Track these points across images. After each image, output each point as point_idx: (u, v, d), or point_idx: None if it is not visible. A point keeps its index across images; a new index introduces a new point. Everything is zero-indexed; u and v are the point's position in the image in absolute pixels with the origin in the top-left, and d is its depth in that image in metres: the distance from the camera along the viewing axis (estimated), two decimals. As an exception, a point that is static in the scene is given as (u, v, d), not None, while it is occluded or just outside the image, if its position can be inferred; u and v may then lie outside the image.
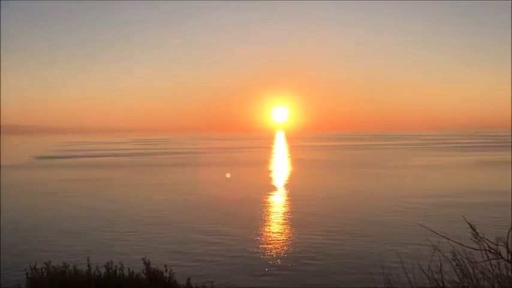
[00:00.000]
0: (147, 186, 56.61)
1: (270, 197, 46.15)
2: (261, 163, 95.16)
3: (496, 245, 6.09)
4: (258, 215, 35.97)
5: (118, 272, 11.18)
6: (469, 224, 5.91)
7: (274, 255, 24.52)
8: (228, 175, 67.31)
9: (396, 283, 6.50)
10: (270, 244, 26.95)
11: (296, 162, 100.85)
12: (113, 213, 37.05)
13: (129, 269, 11.10)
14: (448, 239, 6.18)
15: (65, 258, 17.84)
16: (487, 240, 5.91)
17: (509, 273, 6.06)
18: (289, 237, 28.64)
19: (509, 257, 5.67)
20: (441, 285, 5.99)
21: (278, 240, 27.95)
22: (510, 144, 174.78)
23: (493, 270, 5.84)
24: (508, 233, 5.63)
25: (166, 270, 11.69)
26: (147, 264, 11.68)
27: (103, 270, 10.95)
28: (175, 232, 30.28)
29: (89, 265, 10.82)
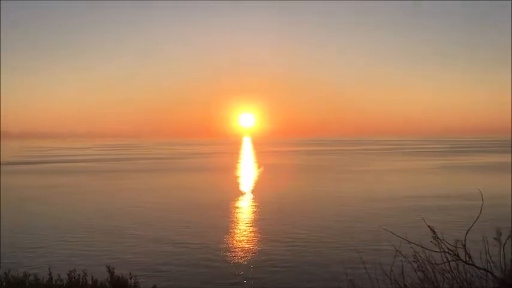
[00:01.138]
0: (105, 193, 55.50)
1: (236, 203, 46.08)
2: (227, 169, 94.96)
3: (455, 247, 6.31)
4: (223, 221, 35.79)
5: (81, 280, 10.94)
6: (429, 226, 6.10)
7: (240, 264, 24.44)
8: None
9: (360, 286, 6.63)
10: (235, 252, 26.86)
11: (262, 167, 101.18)
12: (71, 222, 36.11)
13: (92, 277, 10.88)
14: (409, 241, 6.36)
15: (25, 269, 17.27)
16: (446, 242, 6.13)
17: (468, 275, 6.28)
18: (254, 244, 28.63)
19: (467, 259, 5.89)
20: (402, 286, 6.15)
21: (243, 248, 27.87)
22: (464, 149, 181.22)
23: (452, 271, 6.05)
24: (466, 235, 5.85)
25: (131, 278, 11.51)
26: (111, 272, 11.48)
27: (65, 279, 10.68)
28: (138, 241, 29.78)
29: (50, 274, 10.54)
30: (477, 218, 6.12)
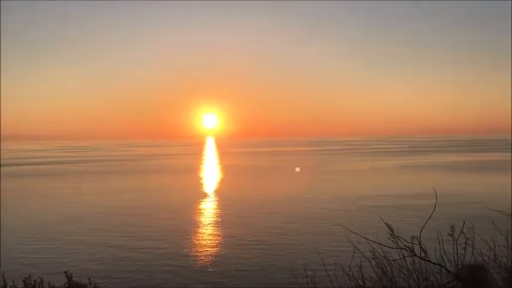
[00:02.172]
0: (60, 196, 53.99)
1: (198, 205, 45.78)
2: (189, 170, 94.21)
3: (412, 243, 6.49)
4: (184, 225, 35.43)
5: (37, 286, 10.59)
6: (386, 224, 6.25)
7: (201, 268, 24.29)
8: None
9: (320, 284, 6.72)
10: (196, 256, 26.65)
11: (225, 168, 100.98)
12: (22, 228, 34.88)
13: (49, 283, 10.55)
14: (366, 239, 6.49)
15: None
16: (403, 239, 6.29)
17: (423, 270, 6.48)
18: (216, 248, 28.51)
19: (422, 254, 6.07)
20: (361, 283, 6.28)
21: (205, 251, 27.69)
22: (424, 149, 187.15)
23: (408, 267, 6.23)
24: (421, 231, 6.03)
25: (90, 283, 11.24)
26: (69, 277, 11.16)
27: (20, 286, 10.31)
28: (96, 247, 29.09)
29: (4, 280, 10.14)
30: (431, 215, 6.32)
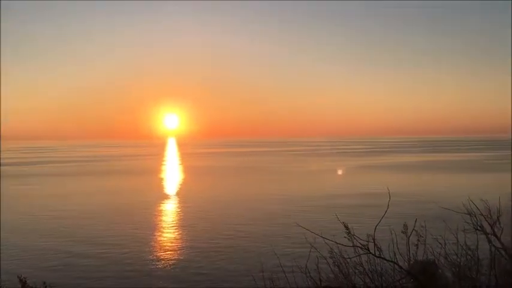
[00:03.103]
0: (16, 198, 52.10)
1: (158, 207, 45.17)
2: (150, 171, 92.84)
3: (367, 241, 6.66)
4: (142, 227, 34.87)
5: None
6: (342, 223, 6.40)
7: (163, 266, 24.04)
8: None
9: (278, 284, 6.78)
10: (155, 259, 26.32)
11: (187, 169, 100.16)
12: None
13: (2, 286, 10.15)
14: (323, 237, 6.61)
15: None
16: (358, 237, 6.45)
17: (378, 267, 6.66)
18: (175, 248, 28.24)
19: (377, 252, 6.24)
20: (318, 282, 6.39)
21: (164, 253, 27.38)
22: (385, 150, 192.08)
23: (363, 265, 6.39)
24: (375, 230, 6.20)
25: (46, 287, 10.89)
26: (23, 282, 10.78)
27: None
28: (51, 248, 28.21)
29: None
30: (384, 214, 6.51)
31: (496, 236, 6.74)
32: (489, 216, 6.98)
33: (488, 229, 6.83)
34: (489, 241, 6.47)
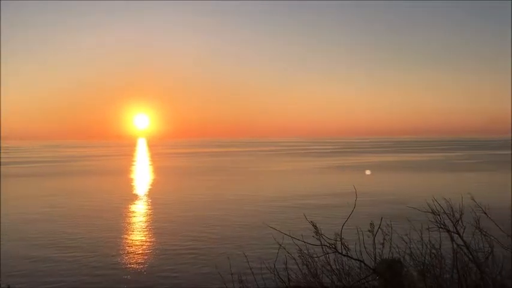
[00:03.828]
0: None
1: (126, 209, 44.56)
2: (118, 172, 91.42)
3: (335, 240, 6.76)
4: (110, 230, 34.16)
5: None
6: (310, 222, 6.47)
7: (130, 269, 23.72)
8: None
9: (247, 285, 6.79)
10: (125, 257, 25.97)
11: (156, 170, 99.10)
12: None
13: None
14: (292, 237, 6.66)
15: None
16: (326, 236, 6.53)
17: (345, 266, 6.76)
18: (144, 248, 27.94)
19: (344, 251, 6.34)
20: (287, 282, 6.44)
21: (131, 257, 26.94)
22: (354, 150, 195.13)
23: (330, 264, 6.48)
24: (341, 229, 6.30)
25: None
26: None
27: None
28: (19, 250, 27.44)
29: None
30: (351, 213, 6.61)
31: (458, 233, 6.95)
32: (452, 214, 7.18)
33: (451, 227, 7.03)
34: (452, 239, 6.67)
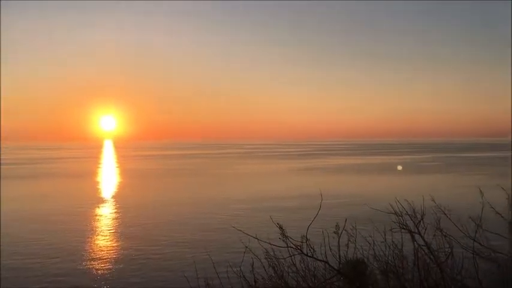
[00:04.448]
0: None
1: (92, 211, 43.62)
2: (83, 175, 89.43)
3: (301, 242, 6.83)
4: (72, 235, 33.25)
5: None
6: (277, 224, 6.53)
7: (93, 276, 23.20)
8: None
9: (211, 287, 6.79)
10: (88, 263, 25.37)
11: (122, 172, 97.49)
12: None
13: None
14: (258, 239, 6.70)
15: None
16: (292, 238, 6.60)
17: (311, 267, 6.85)
18: (108, 253, 27.36)
19: (309, 252, 6.43)
20: (253, 283, 6.47)
21: (95, 258, 26.39)
22: (322, 152, 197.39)
23: (296, 265, 6.56)
24: (307, 230, 6.38)
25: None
26: None
27: None
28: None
29: None
30: (316, 215, 6.72)
31: (420, 234, 7.14)
32: (414, 216, 7.37)
33: (413, 228, 7.21)
34: (413, 239, 6.85)
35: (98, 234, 32.77)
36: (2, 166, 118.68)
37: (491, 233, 7.05)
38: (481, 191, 7.44)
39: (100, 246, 29.16)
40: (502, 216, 6.97)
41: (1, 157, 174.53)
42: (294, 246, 6.43)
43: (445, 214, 7.50)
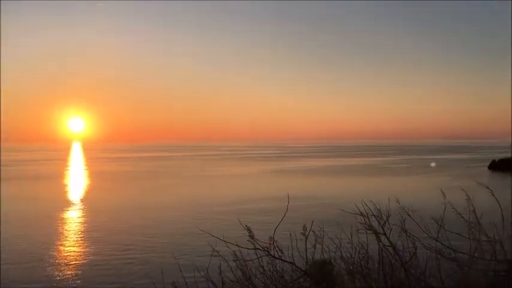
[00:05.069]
0: None
1: (59, 215, 42.67)
2: (49, 177, 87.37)
3: (269, 243, 6.87)
4: (37, 241, 32.50)
5: None
6: (245, 227, 6.54)
7: (60, 280, 22.74)
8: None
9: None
10: (54, 269, 24.83)
11: (91, 175, 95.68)
12: None
13: None
14: (226, 241, 6.72)
15: None
16: (260, 240, 6.64)
17: (279, 268, 6.90)
18: (75, 258, 26.92)
19: (276, 254, 6.47)
20: (220, 286, 6.47)
21: (64, 263, 25.89)
22: (295, 155, 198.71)
23: (264, 266, 6.59)
24: (274, 232, 6.43)
25: None
26: None
27: None
28: None
29: None
30: (283, 217, 6.78)
31: (385, 235, 7.28)
32: (380, 216, 7.51)
33: (378, 229, 7.35)
34: (378, 239, 6.98)
35: (62, 239, 32.09)
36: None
37: (452, 233, 7.25)
38: (443, 192, 7.65)
39: (65, 251, 28.56)
40: (462, 217, 7.19)
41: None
42: (261, 248, 6.47)
43: (409, 215, 7.66)
